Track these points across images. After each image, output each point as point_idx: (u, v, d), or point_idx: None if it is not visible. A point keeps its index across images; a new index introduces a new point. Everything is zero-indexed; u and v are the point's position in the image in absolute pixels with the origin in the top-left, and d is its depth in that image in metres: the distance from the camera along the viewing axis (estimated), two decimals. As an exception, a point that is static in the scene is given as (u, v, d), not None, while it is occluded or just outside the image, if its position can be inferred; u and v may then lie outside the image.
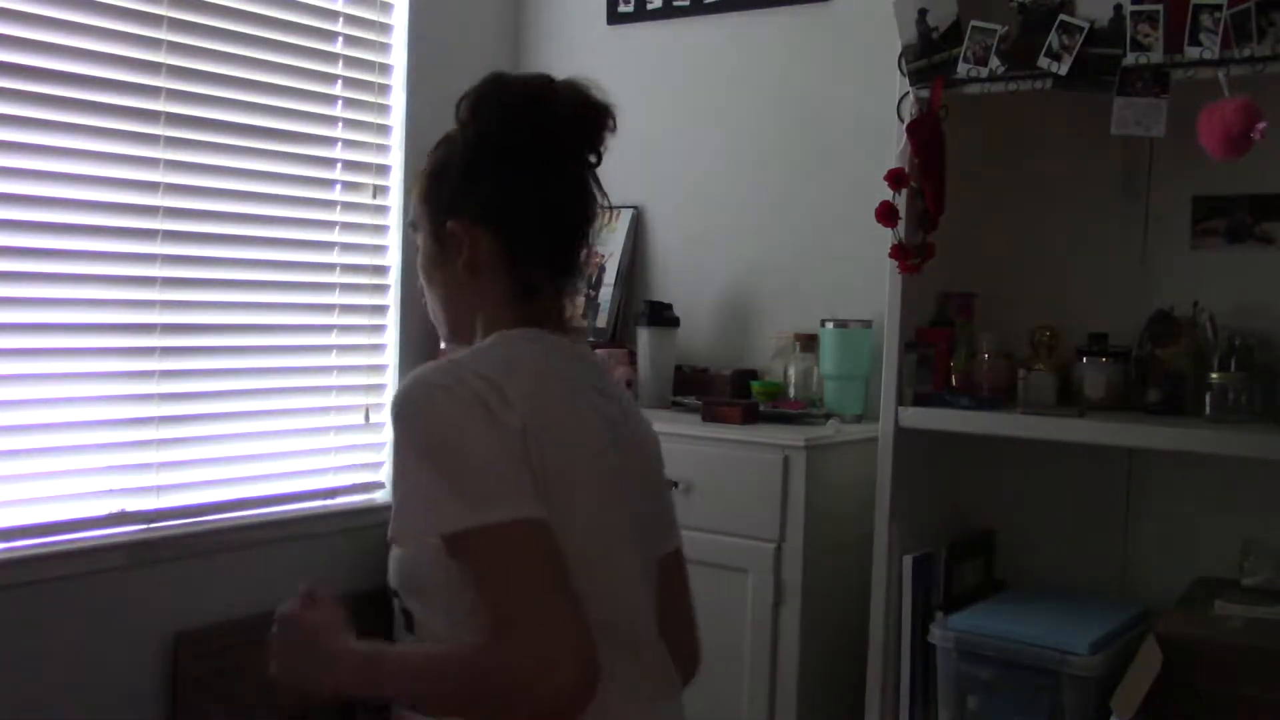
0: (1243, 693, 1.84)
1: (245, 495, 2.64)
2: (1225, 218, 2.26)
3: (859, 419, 2.54)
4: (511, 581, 1.10)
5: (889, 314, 2.24)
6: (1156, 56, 1.94)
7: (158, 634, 2.43)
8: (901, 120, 2.19)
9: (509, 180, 1.28)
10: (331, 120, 2.84)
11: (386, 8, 2.95)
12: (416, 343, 2.92)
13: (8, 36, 2.23)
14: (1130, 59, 1.96)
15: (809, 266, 2.76)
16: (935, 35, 2.14)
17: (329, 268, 2.84)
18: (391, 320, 2.96)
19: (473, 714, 1.14)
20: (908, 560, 2.22)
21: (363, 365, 2.91)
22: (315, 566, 2.65)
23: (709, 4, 2.91)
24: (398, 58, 2.96)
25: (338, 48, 2.84)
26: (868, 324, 2.54)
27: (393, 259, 2.95)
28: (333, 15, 2.83)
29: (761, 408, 2.52)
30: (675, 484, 2.36)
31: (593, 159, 1.34)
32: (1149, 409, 2.15)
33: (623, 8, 3.04)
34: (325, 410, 2.82)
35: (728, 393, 2.69)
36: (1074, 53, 2.01)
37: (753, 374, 2.77)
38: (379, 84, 2.93)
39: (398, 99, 2.95)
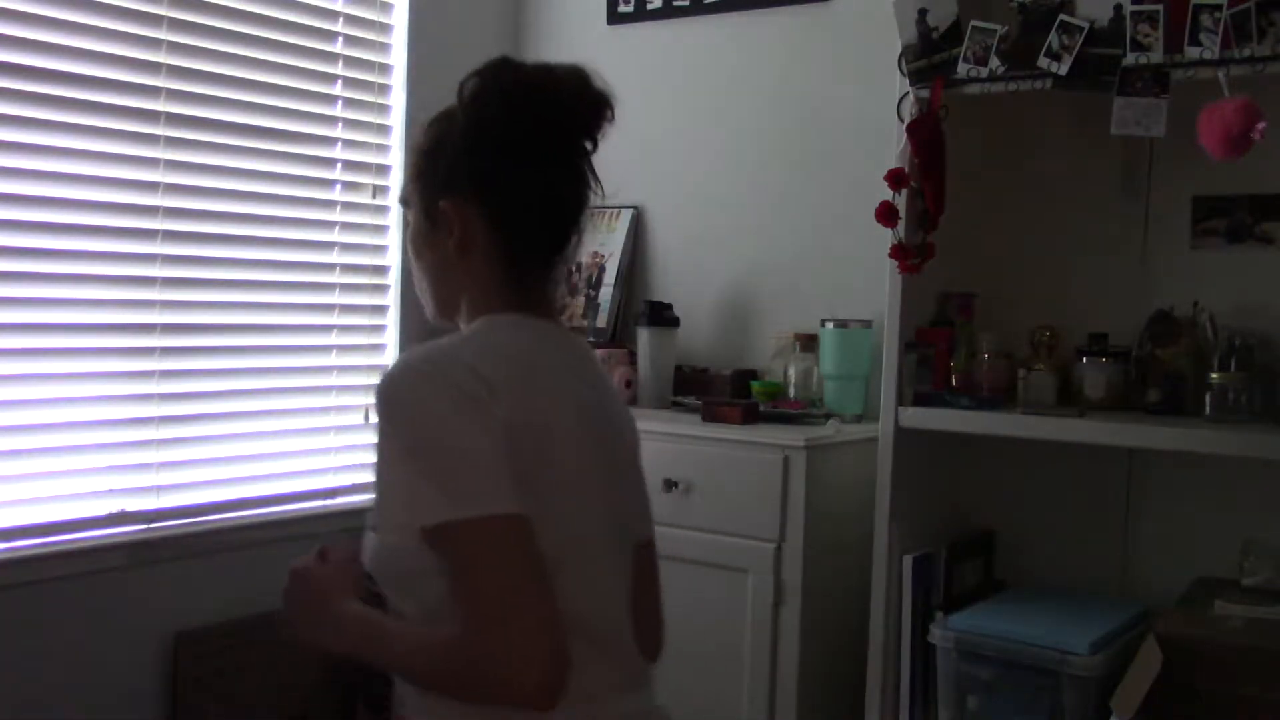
0: (1243, 693, 1.84)
1: (245, 495, 2.64)
2: (1225, 218, 2.26)
3: (859, 419, 2.54)
4: (487, 576, 1.12)
5: (889, 314, 2.24)
6: (1156, 56, 1.94)
7: (158, 634, 2.43)
8: (901, 120, 2.19)
9: (506, 164, 1.28)
10: (331, 120, 2.84)
11: (386, 8, 2.95)
12: (416, 343, 2.91)
13: (8, 36, 2.23)
14: (1130, 59, 1.96)
15: (809, 266, 2.76)
16: (935, 35, 2.14)
17: (329, 268, 2.84)
18: (391, 320, 2.96)
19: (456, 696, 1.17)
20: (908, 560, 2.23)
21: (363, 365, 2.91)
22: (315, 566, 2.64)
23: (709, 4, 2.91)
24: (398, 58, 2.96)
25: (338, 48, 2.84)
26: (868, 324, 2.54)
27: (393, 259, 2.95)
28: (333, 15, 2.83)
29: (761, 408, 2.52)
30: (675, 484, 2.36)
31: (589, 146, 1.34)
32: (1149, 409, 2.15)
33: (623, 8, 3.04)
34: (325, 410, 2.82)
35: (728, 393, 2.69)
36: (1074, 53, 2.01)
37: (753, 374, 2.77)
38: (379, 84, 2.93)
39: (398, 99, 2.95)
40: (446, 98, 1.36)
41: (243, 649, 2.52)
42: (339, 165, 2.86)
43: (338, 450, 2.85)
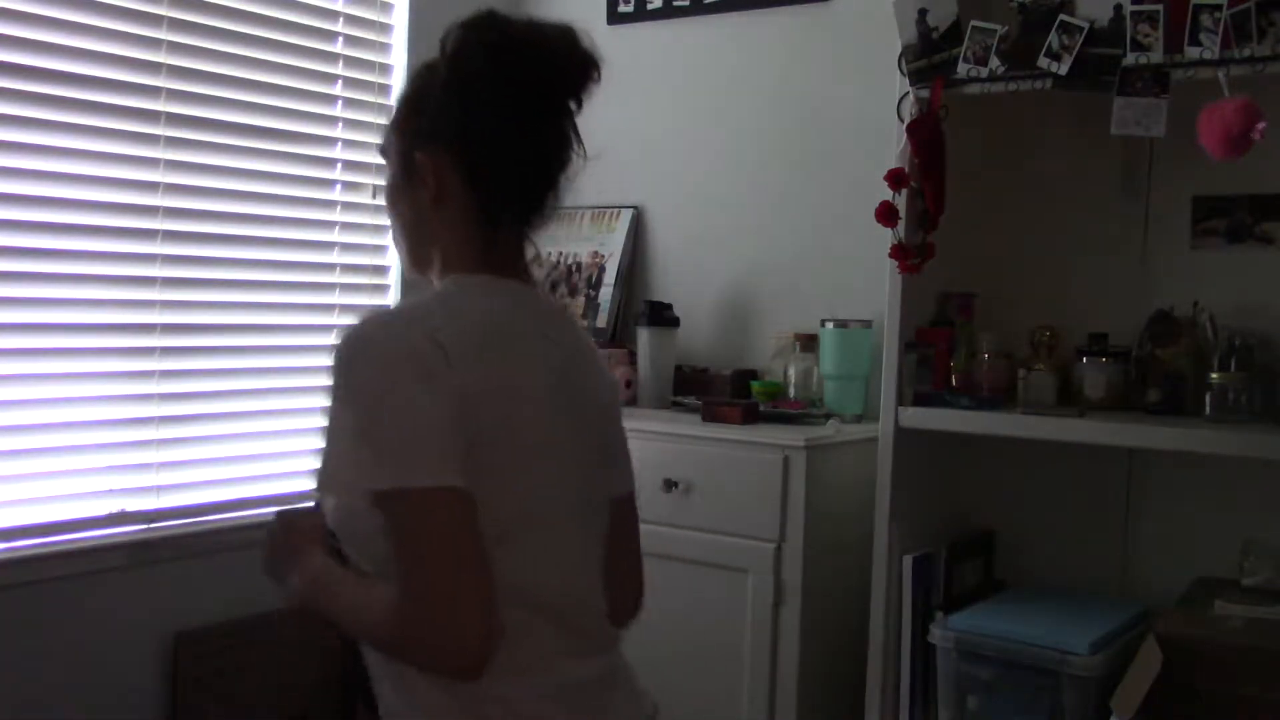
0: (1243, 693, 1.84)
1: (245, 495, 2.64)
2: (1225, 218, 2.26)
3: (859, 419, 2.54)
4: (421, 546, 1.13)
5: (889, 314, 2.24)
6: (1156, 56, 1.94)
7: (158, 634, 2.43)
8: (901, 120, 2.19)
9: (485, 119, 1.26)
10: (331, 120, 2.84)
11: (386, 8, 2.95)
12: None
13: (8, 36, 2.23)
14: (1130, 59, 1.96)
15: (809, 266, 2.76)
16: (935, 35, 2.14)
17: (329, 268, 2.84)
18: (391, 320, 2.96)
19: (389, 656, 1.19)
20: (908, 560, 2.23)
21: (363, 365, 2.90)
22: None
23: (709, 4, 2.91)
24: (398, 58, 2.96)
25: (338, 48, 2.84)
26: (868, 324, 2.54)
27: (393, 259, 2.95)
28: (333, 15, 2.83)
29: (761, 408, 2.52)
30: (675, 484, 2.36)
31: (574, 107, 1.32)
32: (1149, 409, 2.15)
33: (623, 8, 3.04)
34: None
35: (728, 393, 2.69)
36: (1074, 53, 2.01)
37: (753, 374, 2.77)
38: (379, 84, 2.93)
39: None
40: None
41: (243, 649, 2.52)
42: (339, 165, 2.86)
43: (338, 450, 2.84)
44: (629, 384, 2.74)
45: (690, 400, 2.67)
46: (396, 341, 1.17)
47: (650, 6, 3.00)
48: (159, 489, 2.49)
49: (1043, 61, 2.04)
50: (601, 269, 3.00)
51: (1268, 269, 2.21)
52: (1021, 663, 2.05)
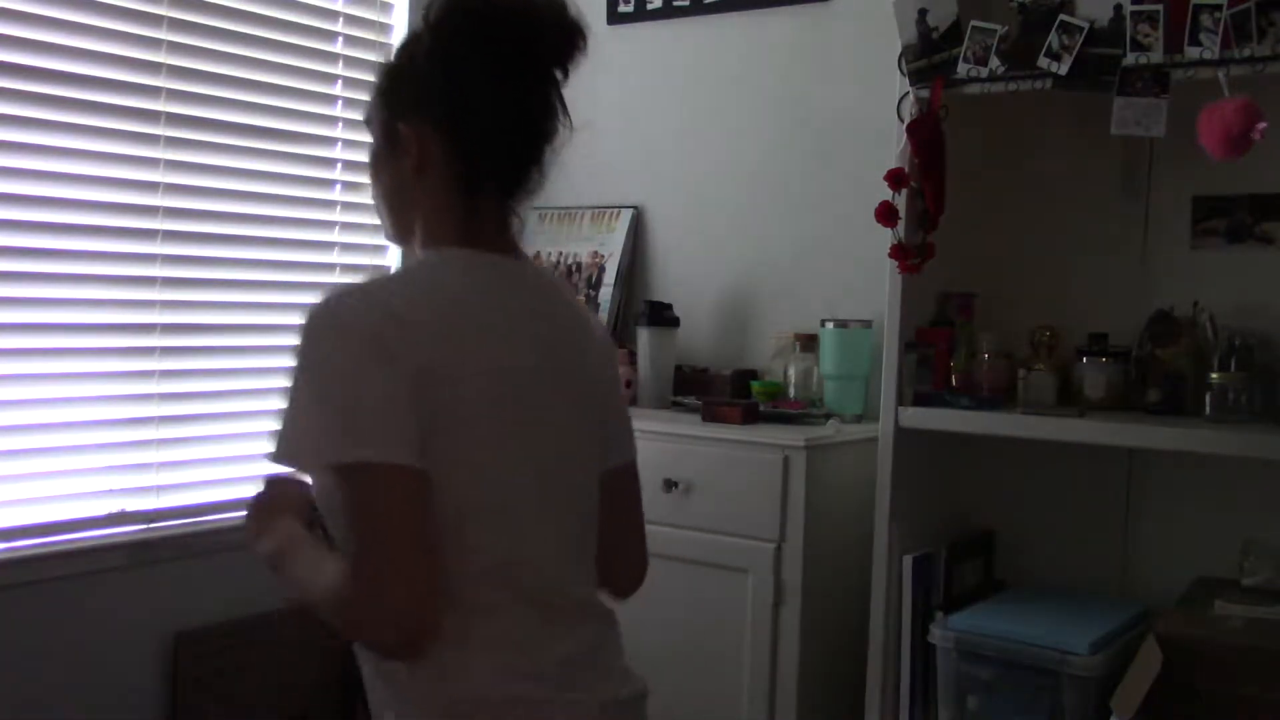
0: (1243, 693, 1.84)
1: (246, 495, 2.63)
2: (1225, 218, 2.25)
3: (859, 419, 2.54)
4: (366, 523, 1.13)
5: (889, 314, 2.24)
6: (1156, 56, 1.94)
7: (158, 634, 2.43)
8: (901, 120, 2.19)
9: (469, 88, 1.25)
10: (331, 120, 2.84)
11: (386, 8, 2.95)
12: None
13: (8, 36, 2.23)
14: (1130, 59, 1.96)
15: (809, 266, 2.76)
16: (935, 35, 2.14)
17: (329, 268, 2.84)
18: (391, 320, 2.96)
19: (335, 630, 1.19)
20: (908, 560, 2.23)
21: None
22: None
23: (709, 4, 2.91)
24: (398, 58, 2.95)
25: (338, 48, 2.84)
26: (868, 324, 2.54)
27: (393, 259, 2.95)
28: (333, 15, 2.83)
29: (761, 408, 2.51)
30: (675, 484, 2.36)
31: (560, 76, 1.30)
32: (1149, 409, 2.15)
33: (623, 8, 3.04)
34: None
35: (728, 393, 2.69)
36: (1074, 53, 2.01)
37: (753, 374, 2.77)
38: (379, 84, 2.92)
39: (398, 99, 2.95)
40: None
41: (243, 649, 2.52)
42: (339, 165, 2.86)
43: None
44: (629, 384, 2.74)
45: (690, 400, 2.67)
46: (357, 319, 1.17)
47: (650, 6, 3.00)
48: (159, 489, 2.49)
49: (1043, 61, 2.04)
50: (601, 269, 3.00)
51: (1268, 269, 2.21)
52: (1021, 663, 2.05)
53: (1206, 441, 1.97)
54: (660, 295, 2.92)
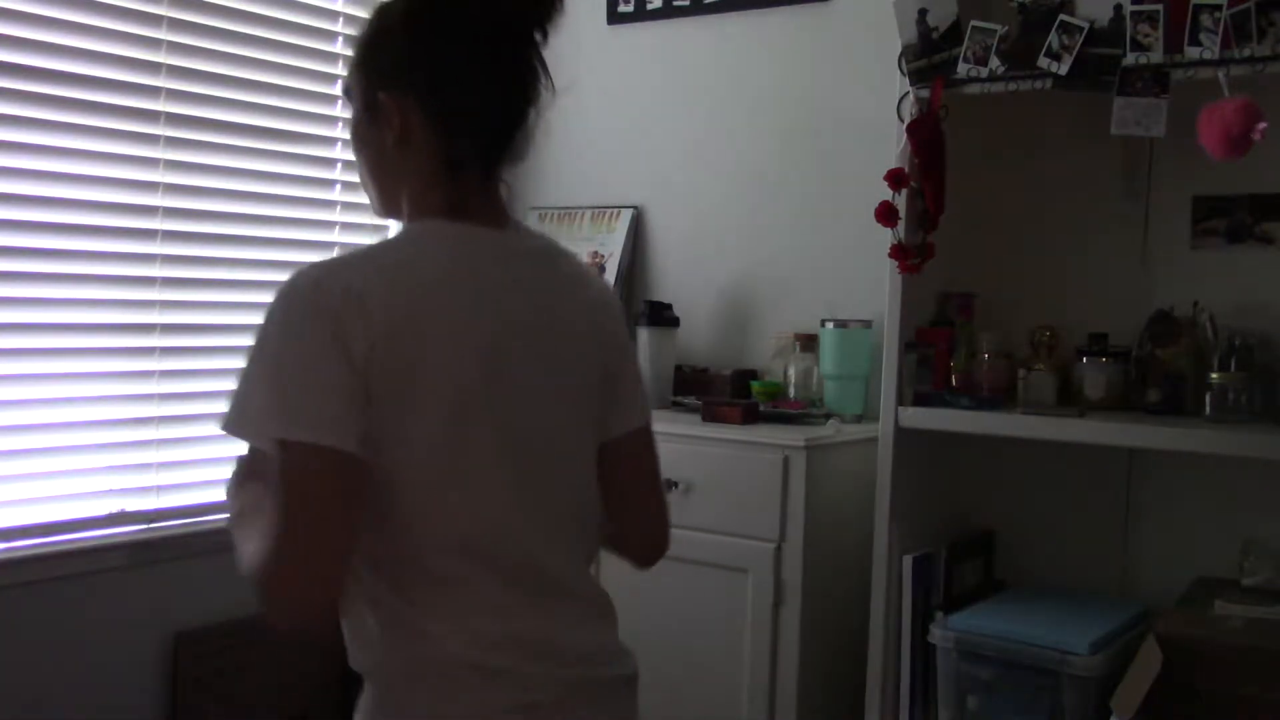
0: (1243, 693, 1.84)
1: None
2: (1225, 218, 2.25)
3: (859, 419, 2.54)
4: (283, 499, 1.13)
5: (889, 314, 2.24)
6: (1156, 56, 1.94)
7: (158, 634, 2.43)
8: (901, 120, 2.19)
9: (447, 54, 1.23)
10: (331, 120, 2.84)
11: (386, 8, 2.95)
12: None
13: (8, 36, 2.23)
14: (1130, 59, 1.96)
15: (809, 266, 2.76)
16: (935, 35, 2.14)
17: (329, 268, 2.84)
18: (391, 320, 2.96)
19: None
20: (908, 560, 2.23)
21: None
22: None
23: (709, 4, 2.91)
24: (398, 58, 2.95)
25: (338, 48, 2.84)
26: (868, 324, 2.54)
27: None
28: (333, 15, 2.83)
29: (761, 408, 2.52)
30: (675, 484, 2.36)
31: (540, 38, 1.27)
32: (1149, 409, 2.15)
33: (623, 8, 3.04)
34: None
35: (728, 393, 2.69)
36: (1074, 53, 2.01)
37: (753, 374, 2.77)
38: (379, 84, 2.92)
39: (398, 99, 2.95)
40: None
41: (243, 649, 2.52)
42: (339, 165, 2.86)
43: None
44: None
45: (690, 400, 2.67)
46: (317, 296, 1.16)
47: (650, 6, 3.00)
48: (159, 489, 2.49)
49: (1043, 61, 2.04)
50: (601, 269, 3.00)
51: (1268, 269, 2.21)
52: (1021, 663, 2.05)
53: (1206, 441, 1.97)
54: (660, 295, 2.92)
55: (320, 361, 1.14)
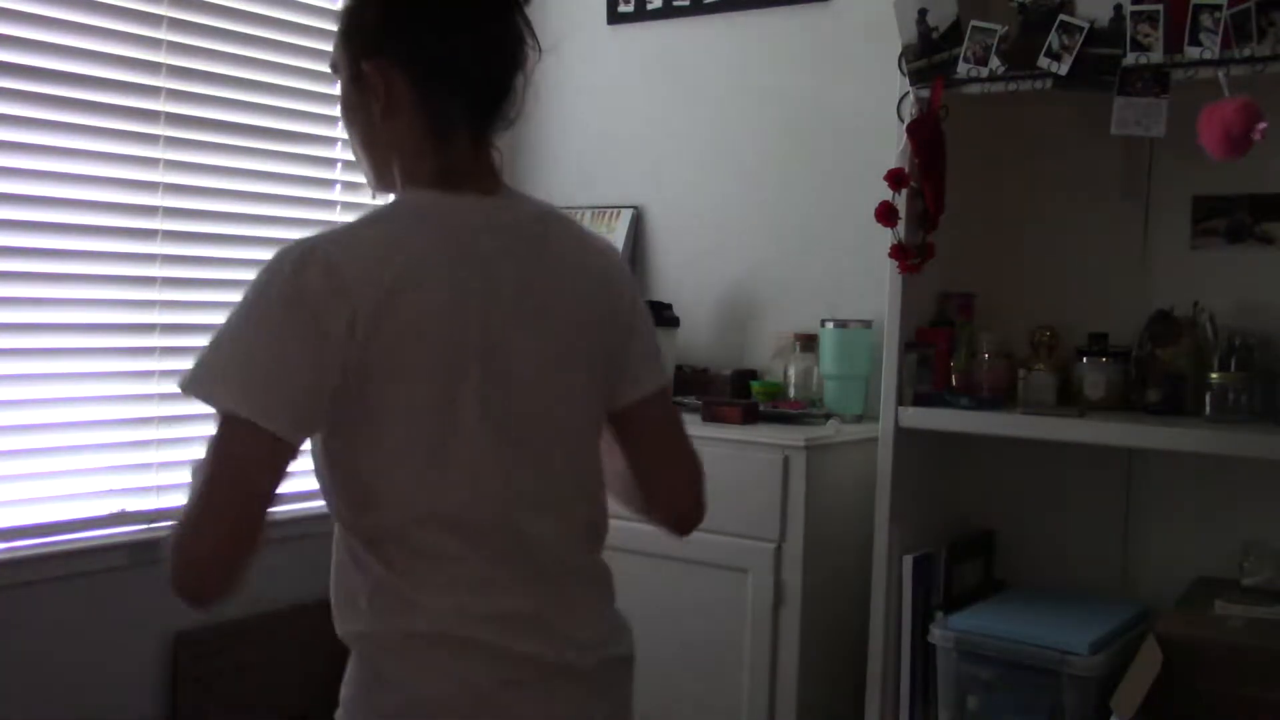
0: (1243, 693, 1.85)
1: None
2: (1225, 218, 2.26)
3: (859, 419, 2.54)
4: (211, 470, 1.13)
5: (889, 314, 2.24)
6: (1156, 56, 1.95)
7: (158, 634, 2.43)
8: (901, 120, 2.19)
9: (425, 15, 1.22)
10: (331, 120, 2.84)
11: (386, 8, 2.95)
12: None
13: (8, 36, 2.23)
14: (1130, 59, 1.97)
15: (809, 266, 2.76)
16: (935, 35, 2.14)
17: (329, 268, 2.84)
18: (391, 320, 2.96)
19: None
20: (908, 560, 2.23)
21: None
22: (315, 566, 2.64)
23: (709, 4, 2.91)
24: (398, 58, 2.96)
25: (338, 48, 2.84)
26: (868, 324, 2.54)
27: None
28: (332, 16, 2.83)
29: (761, 408, 2.52)
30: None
31: None
32: (1149, 409, 2.15)
33: (623, 8, 3.04)
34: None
35: (728, 393, 2.69)
36: (1074, 53, 2.01)
37: (753, 374, 2.77)
38: (379, 84, 2.92)
39: (398, 99, 2.95)
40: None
41: (243, 649, 2.52)
42: (339, 165, 2.86)
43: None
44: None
45: (690, 400, 2.66)
46: (295, 271, 1.14)
47: (650, 6, 3.00)
48: (159, 489, 2.49)
49: (1043, 61, 2.04)
50: (601, 269, 3.00)
51: (1268, 269, 2.21)
52: (1021, 663, 2.05)
53: (1206, 441, 1.97)
54: (660, 295, 2.92)
55: (284, 340, 1.14)
